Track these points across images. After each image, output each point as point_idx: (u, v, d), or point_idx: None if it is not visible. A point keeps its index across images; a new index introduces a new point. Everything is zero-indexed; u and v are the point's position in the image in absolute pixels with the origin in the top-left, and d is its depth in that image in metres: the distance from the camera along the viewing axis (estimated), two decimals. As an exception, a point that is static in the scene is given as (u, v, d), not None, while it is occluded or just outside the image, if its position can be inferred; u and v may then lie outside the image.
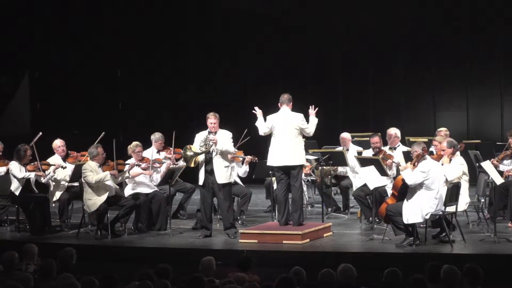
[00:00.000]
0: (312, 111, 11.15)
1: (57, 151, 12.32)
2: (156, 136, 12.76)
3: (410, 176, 10.21)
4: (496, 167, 11.18)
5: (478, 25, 16.60)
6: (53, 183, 12.11)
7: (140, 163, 11.99)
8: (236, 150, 12.13)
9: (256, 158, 12.67)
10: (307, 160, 12.44)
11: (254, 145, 13.43)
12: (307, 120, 11.12)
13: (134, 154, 11.99)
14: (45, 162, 12.11)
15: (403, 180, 10.35)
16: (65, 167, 12.11)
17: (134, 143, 12.12)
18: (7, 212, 12.64)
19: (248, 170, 12.67)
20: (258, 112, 11.23)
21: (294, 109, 11.18)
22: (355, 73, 17.58)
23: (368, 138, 12.76)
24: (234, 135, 11.53)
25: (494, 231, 10.55)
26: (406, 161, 11.28)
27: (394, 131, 12.40)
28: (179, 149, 12.33)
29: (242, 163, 12.63)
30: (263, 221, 12.31)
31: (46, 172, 11.96)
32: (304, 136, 11.23)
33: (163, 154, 12.70)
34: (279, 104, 11.16)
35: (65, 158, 12.35)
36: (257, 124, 11.22)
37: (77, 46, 18.38)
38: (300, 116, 11.07)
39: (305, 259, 9.81)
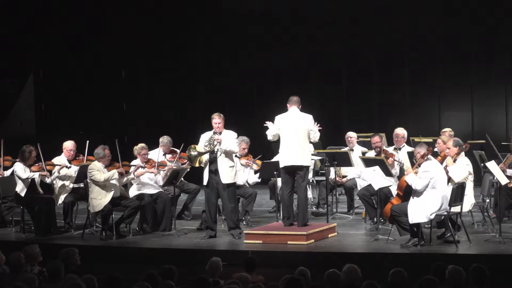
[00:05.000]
0: (315, 127, 11.15)
1: (68, 153, 12.26)
2: (164, 140, 12.71)
3: (417, 181, 10.18)
4: (503, 171, 11.13)
5: (483, 25, 16.57)
6: (58, 184, 12.11)
7: (145, 165, 11.97)
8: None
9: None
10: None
11: (259, 146, 13.45)
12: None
13: (140, 156, 11.98)
14: (49, 162, 12.12)
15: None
16: (70, 167, 12.12)
17: (140, 145, 12.10)
18: (12, 213, 12.66)
19: (257, 180, 12.70)
20: (269, 124, 11.21)
21: (301, 110, 11.18)
22: (360, 73, 17.57)
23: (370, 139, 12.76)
24: (240, 136, 11.54)
25: (499, 232, 10.54)
26: (410, 162, 11.28)
27: (402, 131, 12.41)
28: (185, 153, 12.31)
29: (255, 173, 12.65)
30: (267, 221, 12.31)
31: (52, 172, 11.99)
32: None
33: (168, 157, 12.67)
34: (288, 104, 11.16)
35: (71, 160, 12.33)
36: (267, 132, 11.22)
37: (82, 47, 18.39)
38: (310, 117, 11.07)
39: (310, 260, 9.81)
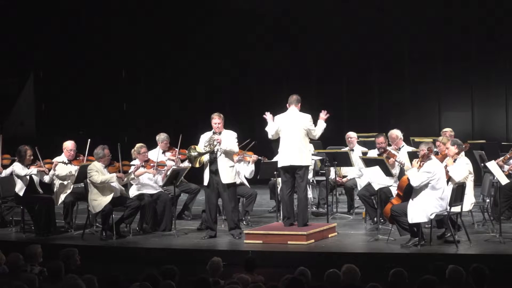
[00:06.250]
0: (323, 115, 11.13)
1: (68, 153, 12.25)
2: (161, 137, 12.76)
3: (416, 177, 10.20)
4: (501, 167, 11.18)
5: (484, 25, 16.58)
6: (58, 182, 12.11)
7: (145, 164, 11.96)
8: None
9: (266, 158, 12.70)
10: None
11: (259, 146, 13.45)
12: (315, 123, 11.14)
13: (140, 156, 11.97)
14: (48, 161, 12.13)
15: (408, 180, 10.35)
16: (67, 163, 12.12)
17: (139, 144, 12.10)
18: (12, 213, 12.66)
19: (254, 169, 12.66)
20: (268, 117, 11.21)
21: (300, 109, 11.18)
22: (360, 73, 17.57)
23: (373, 139, 12.76)
24: (239, 136, 11.54)
25: (499, 232, 10.54)
26: (411, 161, 11.28)
27: (395, 133, 12.41)
28: (184, 150, 12.33)
29: (250, 163, 12.63)
30: (267, 221, 12.31)
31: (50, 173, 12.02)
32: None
33: (168, 154, 12.70)
34: (287, 104, 11.18)
35: (71, 160, 12.32)
36: (266, 128, 11.23)
37: (81, 47, 18.39)
38: (308, 117, 11.07)
39: (310, 260, 9.81)
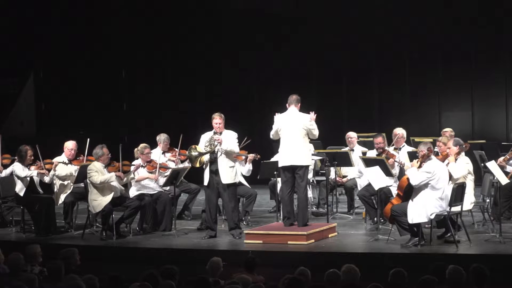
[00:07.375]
0: (312, 116, 11.09)
1: (68, 152, 12.24)
2: (161, 138, 12.76)
3: (415, 176, 10.20)
4: (502, 167, 11.17)
5: (484, 25, 16.58)
6: (58, 184, 12.11)
7: (147, 165, 11.96)
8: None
9: (258, 156, 12.67)
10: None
11: (259, 145, 13.46)
12: None
13: (143, 156, 11.96)
14: (48, 161, 12.13)
15: (408, 180, 10.35)
16: (67, 163, 12.12)
17: (142, 145, 12.10)
18: (13, 213, 12.67)
19: (251, 168, 12.65)
20: (276, 118, 11.17)
21: (300, 109, 11.19)
22: (360, 73, 17.58)
23: (373, 139, 12.78)
24: (240, 136, 11.55)
25: (499, 232, 10.55)
26: (411, 161, 11.29)
27: (400, 131, 12.43)
28: (184, 150, 12.33)
29: (245, 162, 12.63)
30: (267, 221, 12.31)
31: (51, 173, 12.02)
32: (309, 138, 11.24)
33: (168, 155, 12.70)
34: (287, 104, 11.18)
35: (72, 160, 12.32)
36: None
37: (81, 47, 18.40)
38: (308, 116, 11.07)
39: (310, 260, 9.80)
